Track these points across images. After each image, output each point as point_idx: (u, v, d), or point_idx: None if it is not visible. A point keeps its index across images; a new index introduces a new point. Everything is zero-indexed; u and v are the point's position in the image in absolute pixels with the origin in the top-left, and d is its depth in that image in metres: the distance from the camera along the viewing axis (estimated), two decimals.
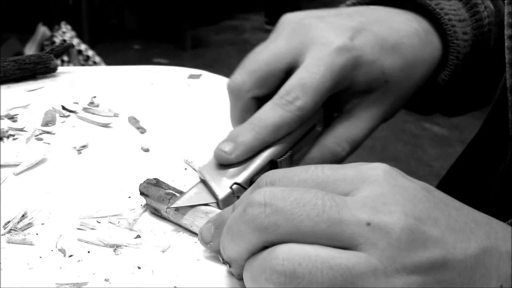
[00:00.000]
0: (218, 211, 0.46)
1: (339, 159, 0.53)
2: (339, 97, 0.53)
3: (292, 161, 0.51)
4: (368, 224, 0.34)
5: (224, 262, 0.40)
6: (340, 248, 0.34)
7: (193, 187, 0.48)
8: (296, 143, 0.51)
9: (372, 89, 0.53)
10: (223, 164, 0.48)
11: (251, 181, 0.48)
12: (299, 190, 0.36)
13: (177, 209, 0.47)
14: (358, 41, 0.51)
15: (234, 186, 0.47)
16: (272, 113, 0.49)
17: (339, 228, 0.34)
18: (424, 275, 0.34)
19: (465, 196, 0.59)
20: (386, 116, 0.56)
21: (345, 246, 0.34)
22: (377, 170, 0.37)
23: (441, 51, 0.57)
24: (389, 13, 0.56)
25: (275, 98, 0.49)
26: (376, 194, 0.36)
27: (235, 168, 0.48)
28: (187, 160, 0.58)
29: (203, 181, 0.49)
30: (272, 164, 0.49)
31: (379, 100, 0.54)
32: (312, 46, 0.51)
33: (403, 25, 0.55)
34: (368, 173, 0.37)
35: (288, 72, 0.51)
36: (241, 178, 0.48)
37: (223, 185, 0.47)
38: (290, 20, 0.54)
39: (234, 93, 0.52)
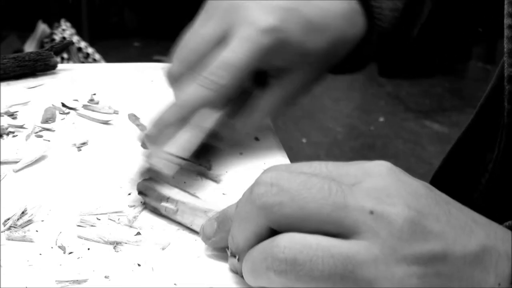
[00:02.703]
0: (218, 210, 0.45)
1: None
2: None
3: (230, 125, 0.55)
4: (372, 212, 0.34)
5: (232, 255, 0.40)
6: (342, 235, 0.35)
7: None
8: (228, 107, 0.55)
9: (293, 68, 0.56)
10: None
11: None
12: (306, 174, 0.37)
13: (177, 208, 0.47)
14: (285, 22, 0.53)
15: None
16: (197, 93, 0.51)
17: (343, 213, 0.35)
18: (424, 267, 0.34)
19: (459, 185, 0.60)
20: (306, 89, 0.59)
21: (348, 232, 0.35)
22: (380, 167, 0.38)
23: (367, 27, 0.59)
24: None
25: (200, 79, 0.51)
26: (380, 186, 0.36)
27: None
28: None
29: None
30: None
31: (299, 77, 0.57)
32: (239, 26, 0.52)
33: (331, 6, 0.56)
34: (371, 169, 0.38)
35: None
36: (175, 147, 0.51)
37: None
38: (218, 2, 0.55)
39: (172, 83, 0.55)
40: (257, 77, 0.56)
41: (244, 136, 0.58)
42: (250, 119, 0.57)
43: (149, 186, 0.48)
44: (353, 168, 0.38)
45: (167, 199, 0.47)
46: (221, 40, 0.52)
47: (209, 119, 0.52)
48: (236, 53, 0.51)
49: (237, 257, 0.40)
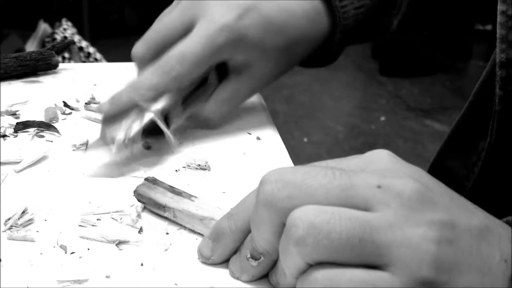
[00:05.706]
0: (212, 216, 0.45)
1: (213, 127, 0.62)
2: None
3: (186, 113, 0.60)
4: (379, 186, 0.35)
5: (253, 258, 0.40)
6: None
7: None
8: (186, 97, 0.59)
9: (250, 64, 0.59)
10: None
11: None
12: (308, 166, 0.37)
13: (174, 215, 0.46)
14: (244, 21, 0.56)
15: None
16: (151, 79, 0.55)
17: (351, 192, 0.35)
18: (437, 232, 0.34)
19: (454, 175, 0.61)
20: (267, 83, 0.63)
21: (359, 209, 0.35)
22: (380, 154, 0.39)
23: (330, 28, 0.62)
24: None
25: (155, 66, 0.55)
26: (383, 168, 0.37)
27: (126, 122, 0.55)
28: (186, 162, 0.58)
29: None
30: (166, 116, 0.57)
31: (257, 71, 0.60)
32: (200, 20, 0.56)
33: (294, 5, 0.59)
34: (371, 157, 0.39)
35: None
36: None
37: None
38: None
39: (137, 62, 0.60)
40: (219, 70, 0.60)
41: (189, 123, 0.62)
42: (206, 107, 0.60)
43: (144, 195, 0.48)
44: (354, 160, 0.39)
45: (164, 207, 0.47)
46: (183, 30, 0.57)
47: (159, 103, 0.55)
48: (191, 47, 0.55)
49: (260, 259, 0.39)
